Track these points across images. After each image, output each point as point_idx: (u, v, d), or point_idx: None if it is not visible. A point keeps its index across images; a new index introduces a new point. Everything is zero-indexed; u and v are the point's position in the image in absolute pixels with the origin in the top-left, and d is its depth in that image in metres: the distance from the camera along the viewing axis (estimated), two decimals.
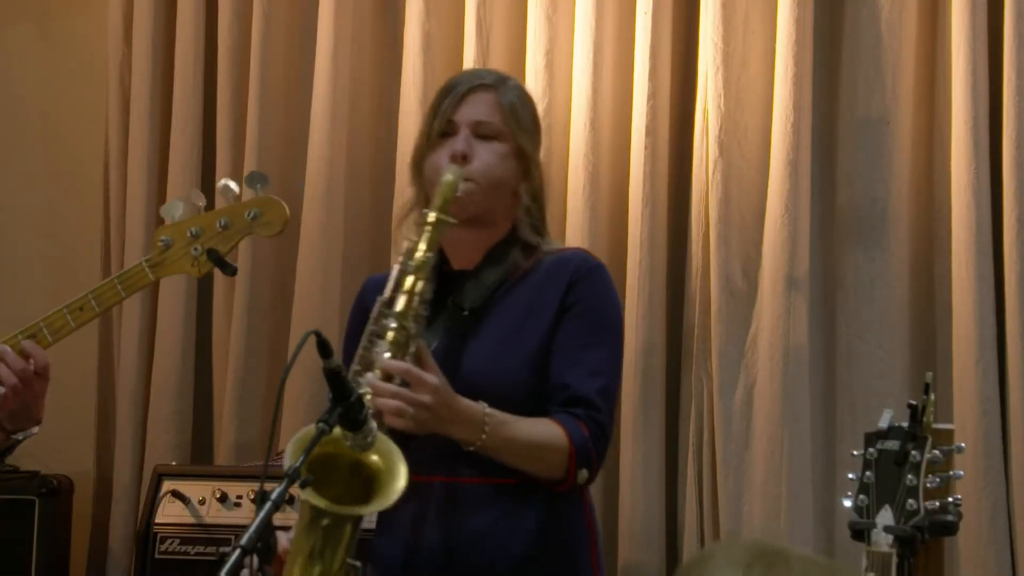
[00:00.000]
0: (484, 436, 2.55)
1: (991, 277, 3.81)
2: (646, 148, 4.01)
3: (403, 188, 4.22)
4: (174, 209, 2.77)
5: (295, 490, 2.26)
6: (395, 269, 2.62)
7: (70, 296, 2.77)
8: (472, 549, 2.63)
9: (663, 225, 4.05)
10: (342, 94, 4.31)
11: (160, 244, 2.76)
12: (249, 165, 4.30)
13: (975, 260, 3.78)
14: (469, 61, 4.16)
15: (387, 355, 2.51)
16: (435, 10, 4.25)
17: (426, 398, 2.48)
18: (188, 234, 2.75)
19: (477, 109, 2.71)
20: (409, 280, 2.58)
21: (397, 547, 2.67)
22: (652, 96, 4.01)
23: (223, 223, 2.75)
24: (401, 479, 2.38)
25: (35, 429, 2.78)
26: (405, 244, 2.63)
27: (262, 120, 4.36)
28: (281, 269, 4.39)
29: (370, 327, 2.56)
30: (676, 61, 4.10)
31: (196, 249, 2.76)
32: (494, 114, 2.71)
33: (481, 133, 2.70)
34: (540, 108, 4.05)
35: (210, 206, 2.80)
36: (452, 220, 2.61)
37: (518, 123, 2.73)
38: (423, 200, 2.73)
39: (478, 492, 2.64)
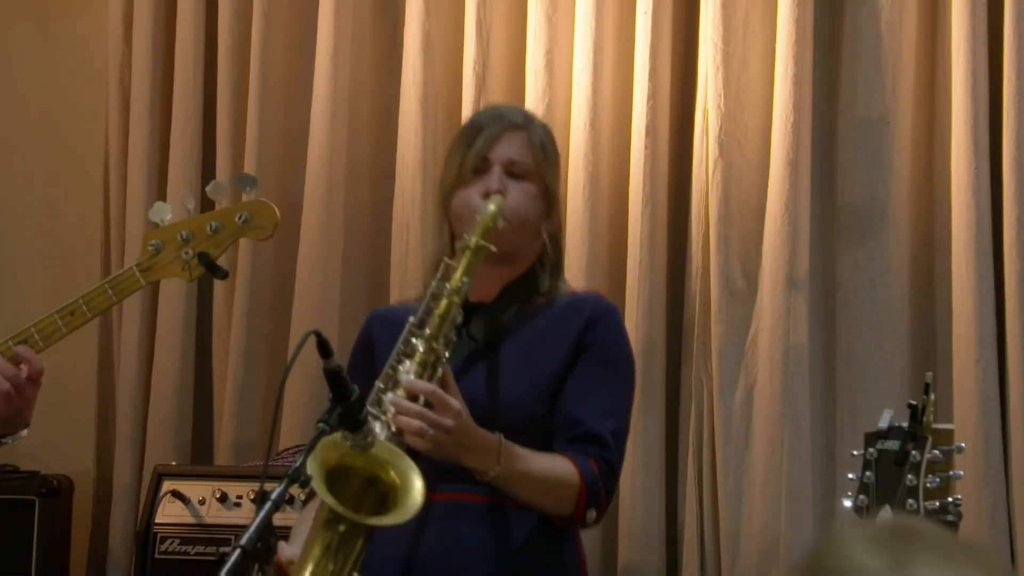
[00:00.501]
0: (498, 467, 2.56)
1: (991, 277, 3.80)
2: (646, 148, 4.01)
3: (403, 188, 4.22)
4: (163, 212, 2.75)
5: (295, 490, 2.26)
6: (427, 290, 2.63)
7: (70, 297, 2.76)
8: (462, 565, 2.63)
9: (663, 225, 4.04)
10: (342, 94, 4.31)
11: (150, 248, 2.74)
12: (249, 165, 4.29)
13: (975, 260, 3.78)
14: (469, 61, 4.15)
15: (412, 375, 2.52)
16: (435, 10, 4.24)
17: (448, 421, 2.49)
18: (178, 238, 2.74)
19: (511, 148, 2.74)
20: (443, 304, 2.59)
21: (387, 561, 2.66)
22: (652, 96, 4.01)
23: (213, 227, 2.74)
24: (417, 495, 2.39)
25: (24, 432, 2.77)
26: (442, 267, 2.64)
27: (262, 120, 4.35)
28: (281, 270, 4.38)
29: (398, 347, 2.57)
30: (676, 61, 4.09)
31: (187, 253, 2.74)
32: (527, 154, 2.74)
33: (513, 172, 2.73)
34: (540, 108, 4.08)
35: (206, 208, 2.79)
36: (492, 247, 2.62)
37: (547, 162, 2.77)
38: (449, 238, 2.74)
39: (473, 509, 2.65)
